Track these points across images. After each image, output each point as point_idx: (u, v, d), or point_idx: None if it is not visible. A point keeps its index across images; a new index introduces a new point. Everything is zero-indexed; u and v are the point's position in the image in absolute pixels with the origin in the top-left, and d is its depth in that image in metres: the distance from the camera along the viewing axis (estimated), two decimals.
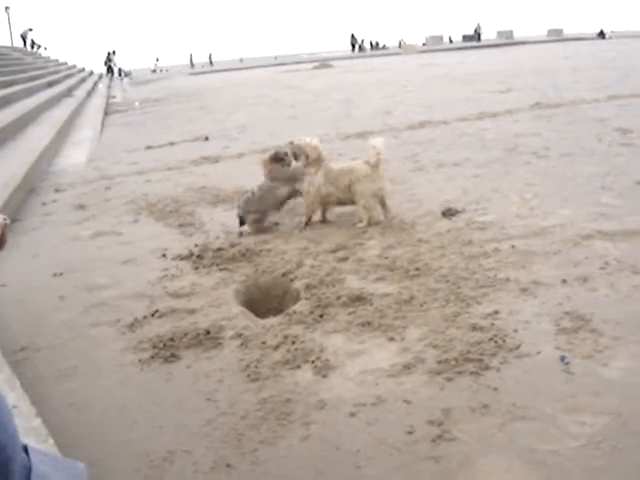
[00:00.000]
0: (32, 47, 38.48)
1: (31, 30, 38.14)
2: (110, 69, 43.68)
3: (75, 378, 2.68)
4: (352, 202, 4.43)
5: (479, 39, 56.83)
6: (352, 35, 61.66)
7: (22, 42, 37.29)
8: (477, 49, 42.86)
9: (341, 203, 4.52)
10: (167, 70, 56.30)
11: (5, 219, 1.44)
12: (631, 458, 1.89)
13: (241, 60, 70.11)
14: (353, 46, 61.03)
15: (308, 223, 4.52)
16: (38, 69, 24.73)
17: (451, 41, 66.80)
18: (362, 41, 62.82)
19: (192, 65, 62.41)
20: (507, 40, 53.92)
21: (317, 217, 4.58)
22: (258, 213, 4.45)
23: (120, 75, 46.63)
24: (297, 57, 65.50)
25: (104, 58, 44.57)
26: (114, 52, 44.97)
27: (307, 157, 4.44)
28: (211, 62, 66.52)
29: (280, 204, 4.60)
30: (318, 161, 4.45)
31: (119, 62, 48.55)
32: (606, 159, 5.82)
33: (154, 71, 58.17)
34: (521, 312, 2.89)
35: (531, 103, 10.02)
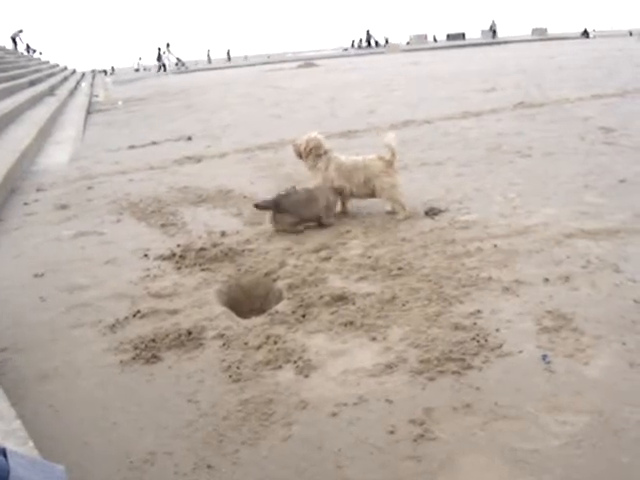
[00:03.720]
0: (27, 51, 38.03)
1: (21, 32, 37.50)
2: (163, 65, 43.75)
3: (56, 379, 2.64)
4: (368, 196, 4.57)
5: (494, 36, 56.81)
6: (367, 32, 62.96)
7: (13, 44, 36.60)
8: (461, 48, 43.05)
9: (354, 196, 4.62)
10: (150, 70, 55.52)
11: None
12: (612, 457, 1.90)
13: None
14: (369, 42, 61.89)
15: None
16: (19, 68, 24.45)
17: (435, 40, 67.12)
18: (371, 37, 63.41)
19: (210, 61, 62.06)
20: (491, 39, 54.10)
21: (338, 208, 4.63)
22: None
23: (177, 65, 46.74)
24: (283, 56, 65.58)
25: (156, 55, 44.89)
26: (168, 45, 44.69)
27: (307, 152, 4.53)
28: (229, 58, 66.84)
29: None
30: (322, 154, 4.53)
31: (177, 52, 48.52)
32: (589, 158, 5.86)
33: (137, 70, 57.69)
34: (503, 311, 2.89)
35: (515, 102, 10.08)
